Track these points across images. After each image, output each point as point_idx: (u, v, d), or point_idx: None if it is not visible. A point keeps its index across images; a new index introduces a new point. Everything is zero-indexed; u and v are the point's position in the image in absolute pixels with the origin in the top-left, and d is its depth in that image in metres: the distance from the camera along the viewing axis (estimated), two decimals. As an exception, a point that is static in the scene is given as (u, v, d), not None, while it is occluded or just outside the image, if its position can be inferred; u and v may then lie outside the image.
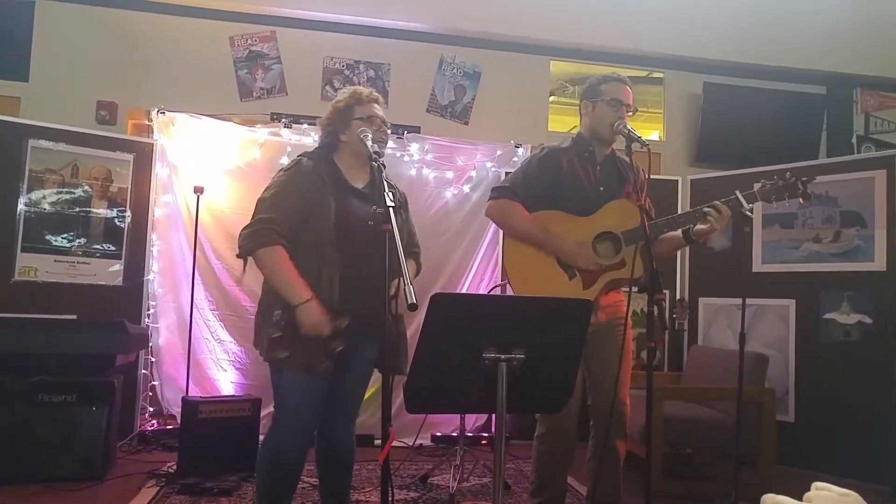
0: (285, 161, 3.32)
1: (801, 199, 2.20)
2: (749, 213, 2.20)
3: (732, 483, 2.77)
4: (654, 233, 2.16)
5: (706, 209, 2.15)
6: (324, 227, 1.90)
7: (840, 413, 3.50)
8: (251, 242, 1.88)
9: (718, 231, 2.19)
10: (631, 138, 2.10)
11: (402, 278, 1.59)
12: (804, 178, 2.20)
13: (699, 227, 2.16)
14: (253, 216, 1.93)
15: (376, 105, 2.06)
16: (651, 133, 5.31)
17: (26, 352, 2.96)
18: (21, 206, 3.62)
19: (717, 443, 3.14)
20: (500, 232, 2.42)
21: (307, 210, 1.91)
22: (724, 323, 4.06)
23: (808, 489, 0.60)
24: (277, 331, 1.87)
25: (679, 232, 2.22)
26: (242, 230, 1.92)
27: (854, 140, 5.28)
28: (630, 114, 2.25)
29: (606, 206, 2.23)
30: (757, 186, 2.23)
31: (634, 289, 2.12)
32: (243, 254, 1.91)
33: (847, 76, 5.24)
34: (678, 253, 4.27)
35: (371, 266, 1.91)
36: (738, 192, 2.18)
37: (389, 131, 2.07)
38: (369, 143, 1.91)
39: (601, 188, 2.26)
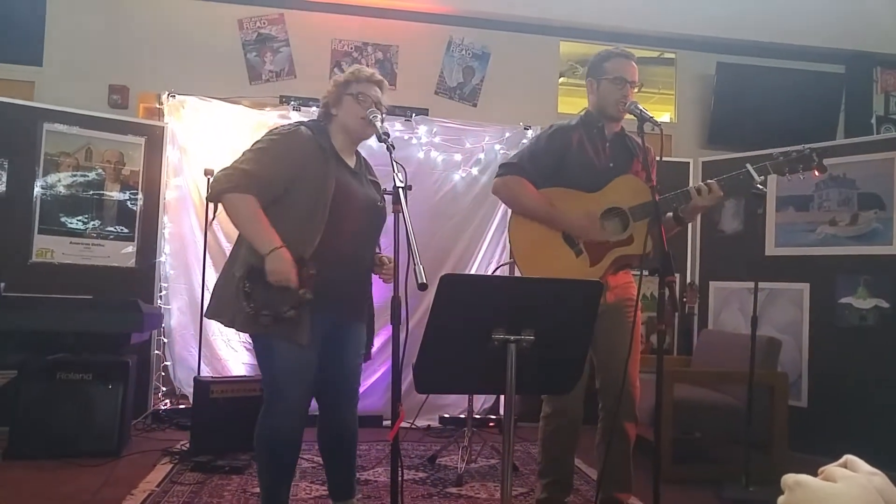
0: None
1: (816, 172, 2.13)
2: (761, 188, 2.16)
3: (742, 467, 2.77)
4: (663, 209, 2.14)
5: (701, 185, 2.11)
6: (322, 194, 1.86)
7: (854, 399, 3.46)
8: (220, 186, 1.81)
9: (707, 209, 2.14)
10: (643, 119, 2.06)
11: (412, 258, 1.59)
12: (819, 150, 2.15)
13: (690, 204, 2.11)
14: (231, 164, 1.88)
15: (376, 87, 2.01)
16: (663, 114, 5.24)
17: (46, 330, 3.03)
18: (38, 190, 3.66)
19: (726, 427, 3.14)
20: (509, 213, 2.40)
21: (296, 176, 1.87)
22: (735, 307, 4.04)
23: (818, 474, 0.57)
24: (244, 297, 1.80)
25: (669, 214, 2.18)
26: (216, 173, 1.86)
27: (873, 120, 5.18)
28: (635, 90, 2.21)
29: (614, 181, 2.19)
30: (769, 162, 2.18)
31: (645, 272, 2.11)
32: (213, 196, 1.86)
33: (867, 55, 5.12)
34: (689, 236, 4.24)
35: (357, 249, 1.94)
36: (748, 165, 2.12)
37: (383, 114, 1.99)
38: (378, 124, 1.90)
39: (610, 164, 2.24)
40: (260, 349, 1.94)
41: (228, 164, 1.88)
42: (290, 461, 2.02)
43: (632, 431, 2.21)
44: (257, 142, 1.93)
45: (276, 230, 1.81)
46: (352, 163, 2.05)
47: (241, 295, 1.79)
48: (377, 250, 2.09)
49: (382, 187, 1.89)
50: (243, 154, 1.90)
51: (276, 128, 2.00)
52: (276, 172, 1.86)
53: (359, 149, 2.13)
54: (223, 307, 1.90)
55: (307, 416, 1.99)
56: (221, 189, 1.83)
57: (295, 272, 1.77)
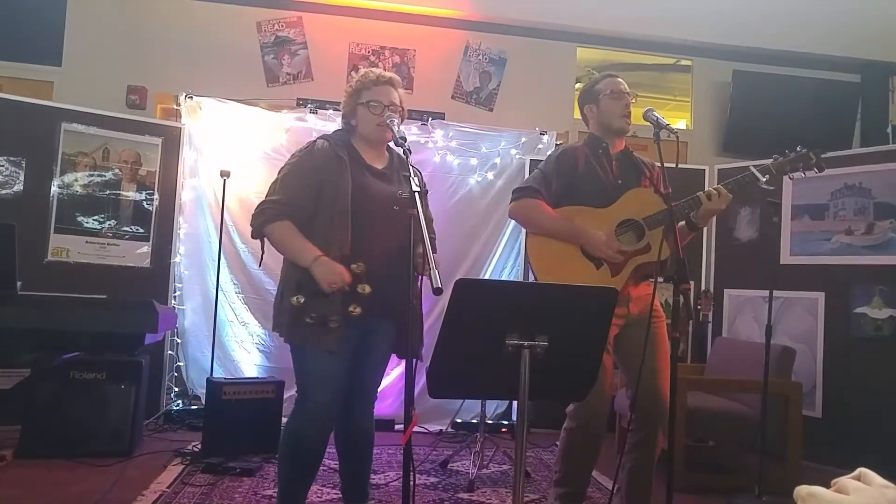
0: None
1: (815, 170, 2.23)
2: (766, 187, 2.20)
3: (755, 476, 2.74)
4: (676, 217, 2.15)
5: (710, 190, 2.16)
6: (339, 199, 1.92)
7: (869, 410, 3.43)
8: (258, 221, 1.94)
9: (719, 212, 2.20)
10: (659, 126, 2.07)
11: (427, 262, 1.60)
12: (817, 150, 2.22)
13: (701, 209, 2.15)
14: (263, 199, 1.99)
15: (389, 88, 2.03)
16: (679, 121, 5.22)
17: (60, 329, 3.04)
18: (55, 189, 3.70)
19: (740, 436, 3.11)
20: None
21: (320, 188, 1.94)
22: (749, 315, 4.00)
23: (830, 486, 0.57)
24: (294, 308, 1.89)
25: (682, 222, 2.20)
26: (254, 211, 1.98)
27: (889, 130, 5.13)
28: (633, 100, 2.28)
29: (625, 195, 2.23)
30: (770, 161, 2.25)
31: (660, 279, 2.10)
32: (254, 234, 1.98)
33: (882, 64, 5.08)
34: (704, 243, 4.21)
35: (387, 248, 1.94)
36: (751, 167, 2.19)
37: (397, 114, 2.00)
38: (395, 128, 1.91)
39: (619, 181, 2.27)
40: (294, 354, 1.99)
41: (262, 200, 1.99)
42: (310, 464, 2.03)
43: (662, 440, 2.21)
44: (281, 169, 2.02)
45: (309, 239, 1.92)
46: (381, 164, 2.08)
47: (296, 310, 1.87)
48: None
49: (399, 192, 1.89)
50: (270, 186, 2.01)
51: (296, 151, 2.06)
52: (301, 192, 1.94)
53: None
54: (276, 321, 2.02)
55: (333, 422, 2.01)
56: (259, 224, 1.95)
57: (344, 271, 1.85)
